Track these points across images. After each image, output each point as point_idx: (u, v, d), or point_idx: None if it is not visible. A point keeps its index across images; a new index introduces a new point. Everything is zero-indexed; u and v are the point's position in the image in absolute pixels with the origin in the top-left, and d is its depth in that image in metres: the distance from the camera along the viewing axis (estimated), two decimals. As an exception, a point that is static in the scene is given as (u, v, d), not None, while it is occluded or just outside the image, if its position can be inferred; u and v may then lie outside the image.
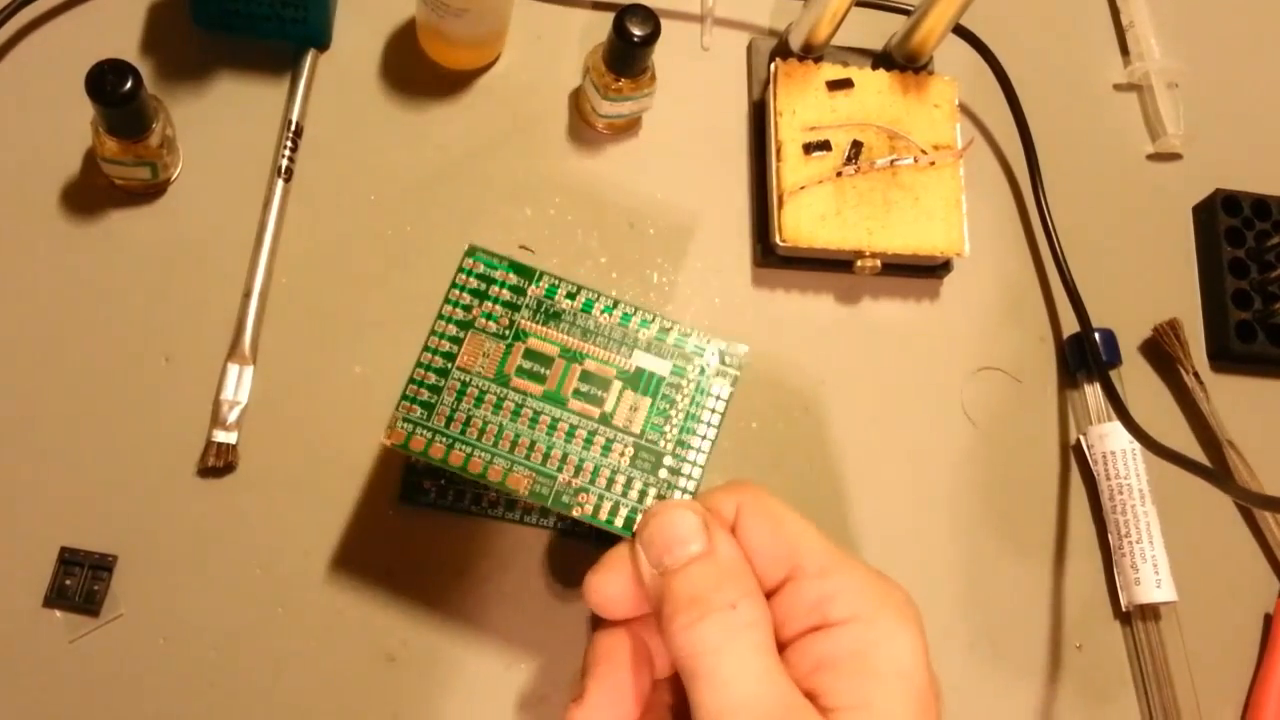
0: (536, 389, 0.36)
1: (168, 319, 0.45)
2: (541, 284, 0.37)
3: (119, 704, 0.41)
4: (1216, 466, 0.51)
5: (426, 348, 0.36)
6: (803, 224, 0.48)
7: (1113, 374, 0.50)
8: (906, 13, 0.53)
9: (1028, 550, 0.49)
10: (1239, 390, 0.53)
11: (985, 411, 0.51)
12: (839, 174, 0.49)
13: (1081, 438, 0.50)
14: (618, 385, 0.36)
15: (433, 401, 0.36)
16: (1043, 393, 0.52)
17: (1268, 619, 0.50)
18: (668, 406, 0.36)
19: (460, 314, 0.36)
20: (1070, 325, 0.52)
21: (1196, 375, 0.52)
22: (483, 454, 0.35)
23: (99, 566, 0.41)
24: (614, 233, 0.50)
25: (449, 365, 0.36)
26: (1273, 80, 0.60)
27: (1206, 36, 0.60)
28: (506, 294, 0.37)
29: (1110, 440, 0.49)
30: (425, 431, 0.35)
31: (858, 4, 0.50)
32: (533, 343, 0.36)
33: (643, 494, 0.36)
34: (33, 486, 0.43)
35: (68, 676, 0.41)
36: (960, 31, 0.53)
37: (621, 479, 0.36)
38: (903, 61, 0.53)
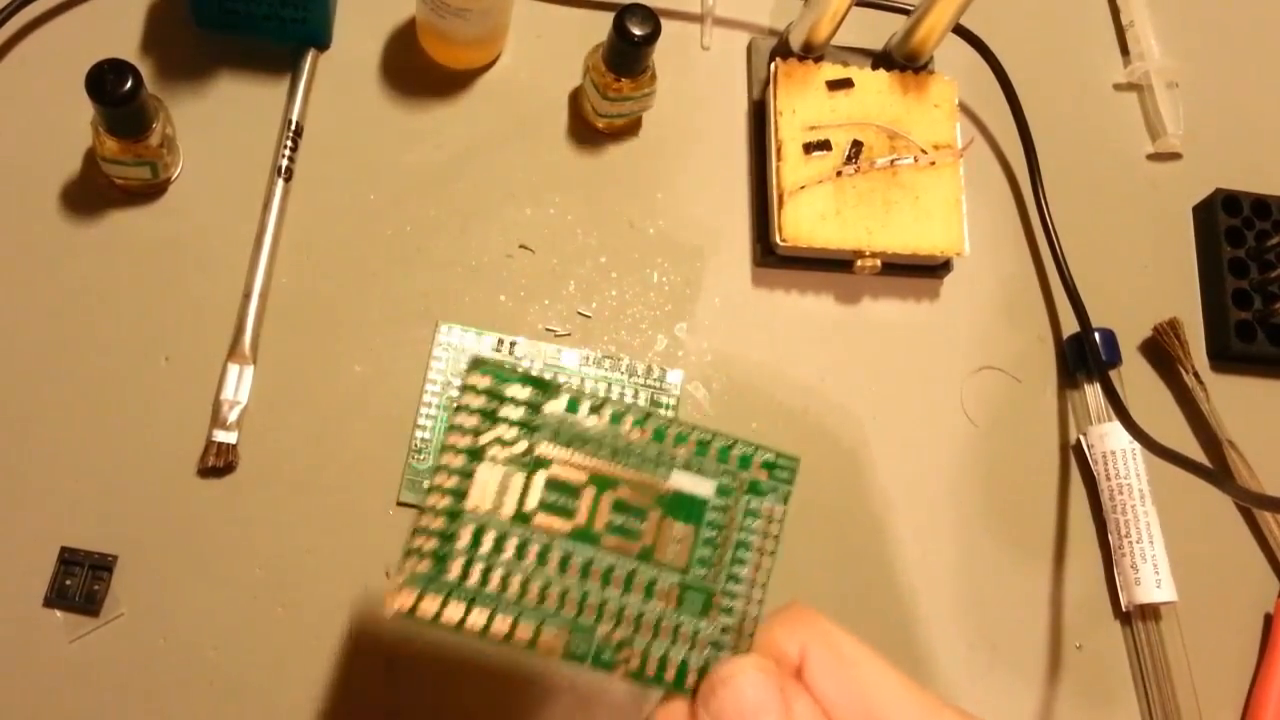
0: (564, 526, 0.30)
1: (168, 319, 0.45)
2: (561, 399, 0.31)
3: (119, 704, 0.41)
4: (1216, 466, 0.51)
5: (433, 487, 0.30)
6: (803, 223, 0.48)
7: (1113, 374, 0.50)
8: (906, 12, 0.53)
9: (1028, 550, 0.49)
10: (1239, 390, 0.53)
11: (985, 411, 0.51)
12: (839, 174, 0.49)
13: (1081, 437, 0.50)
14: (656, 514, 0.31)
15: (445, 552, 0.29)
16: (1042, 393, 0.52)
17: (1268, 619, 0.50)
18: (715, 534, 0.31)
19: (468, 441, 0.30)
20: (1070, 325, 0.52)
21: (1196, 375, 0.52)
22: (507, 612, 0.29)
23: (99, 566, 0.41)
24: (614, 232, 0.50)
25: (459, 506, 0.30)
26: (1273, 80, 0.60)
27: (1206, 36, 0.60)
28: (520, 414, 0.31)
29: (1110, 440, 0.49)
30: (437, 590, 0.29)
31: (858, 4, 0.50)
32: (556, 471, 0.30)
33: (693, 639, 0.30)
34: (33, 486, 0.43)
35: (68, 676, 0.41)
36: (960, 31, 0.53)
37: (669, 626, 0.30)
38: (903, 61, 0.53)
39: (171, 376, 0.45)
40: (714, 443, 0.31)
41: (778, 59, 0.51)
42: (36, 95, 0.47)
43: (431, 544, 0.29)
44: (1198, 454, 0.52)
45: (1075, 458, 0.51)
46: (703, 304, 0.50)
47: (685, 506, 0.31)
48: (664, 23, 0.46)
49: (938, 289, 0.52)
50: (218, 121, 0.48)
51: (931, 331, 0.51)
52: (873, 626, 0.46)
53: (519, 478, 0.30)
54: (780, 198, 0.49)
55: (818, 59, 0.52)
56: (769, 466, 0.31)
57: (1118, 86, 0.58)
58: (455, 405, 0.30)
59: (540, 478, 0.30)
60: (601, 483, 0.30)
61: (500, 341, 0.47)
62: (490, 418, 0.30)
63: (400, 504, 0.44)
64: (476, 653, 0.43)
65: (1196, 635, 0.47)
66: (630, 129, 0.52)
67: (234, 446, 0.44)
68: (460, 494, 0.30)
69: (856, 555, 0.47)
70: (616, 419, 0.31)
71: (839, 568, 0.47)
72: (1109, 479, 0.49)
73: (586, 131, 0.51)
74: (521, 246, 0.49)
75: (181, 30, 0.49)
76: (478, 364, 0.30)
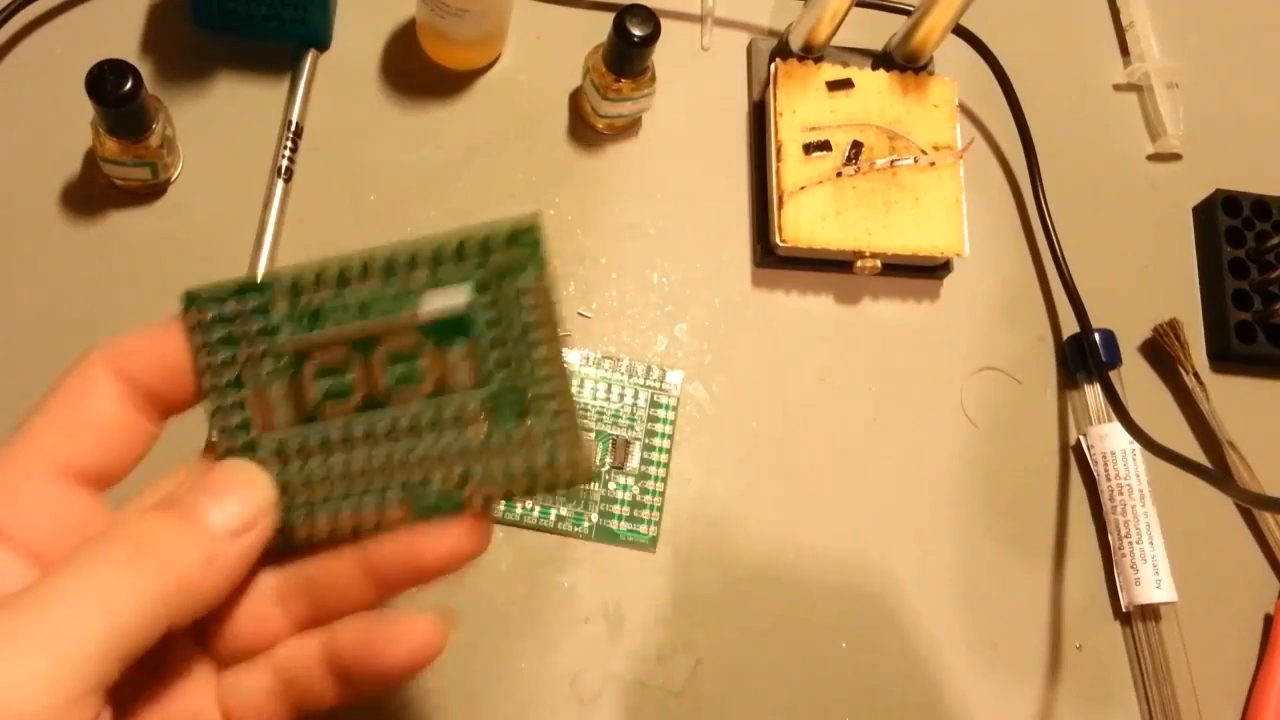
0: (353, 404, 0.29)
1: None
2: (283, 289, 0.29)
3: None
4: (1216, 467, 0.51)
5: (217, 430, 0.29)
6: (803, 224, 0.48)
7: (1113, 374, 0.50)
8: (906, 13, 0.53)
9: (1028, 550, 0.49)
10: (1239, 390, 0.53)
11: (985, 412, 0.51)
12: (839, 174, 0.49)
13: (1081, 438, 0.50)
14: (430, 346, 0.29)
15: None
16: (1043, 393, 0.52)
17: (1268, 619, 0.50)
18: (495, 333, 0.29)
19: (225, 376, 0.29)
20: (1070, 325, 0.52)
21: (1196, 375, 0.52)
22: (346, 505, 0.29)
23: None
24: (614, 233, 0.50)
25: (252, 436, 0.29)
26: (1273, 80, 0.60)
27: (1206, 37, 0.60)
28: (256, 323, 0.29)
29: (1110, 440, 0.49)
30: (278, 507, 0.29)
31: (858, 4, 0.50)
32: (317, 358, 0.29)
33: (528, 438, 0.29)
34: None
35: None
36: (960, 32, 0.53)
37: (500, 440, 0.29)
38: (903, 62, 0.53)
39: (171, 377, 0.44)
40: (445, 249, 0.29)
41: (778, 59, 0.51)
42: (36, 95, 0.47)
43: None
44: (1198, 454, 0.52)
45: (1075, 458, 0.51)
46: (702, 304, 0.50)
47: (452, 325, 0.29)
48: (664, 23, 0.46)
49: (938, 289, 0.52)
50: (218, 122, 0.48)
51: (931, 332, 0.51)
52: (873, 626, 0.46)
53: (287, 382, 0.29)
54: (780, 198, 0.49)
55: (818, 59, 0.52)
56: (512, 241, 0.30)
57: (1118, 87, 0.58)
58: (191, 343, 0.29)
59: (308, 370, 0.29)
60: (363, 346, 0.29)
61: (500, 342, 0.47)
62: (231, 343, 0.29)
63: (400, 504, 0.44)
64: (476, 652, 0.43)
65: (1196, 636, 0.47)
66: (630, 129, 0.52)
67: (234, 447, 0.43)
68: (245, 425, 0.29)
69: (857, 555, 0.47)
70: (342, 280, 0.29)
71: (839, 567, 0.47)
72: (1109, 479, 0.49)
73: (586, 132, 0.51)
74: (521, 247, 0.49)
75: (181, 31, 0.49)
76: (190, 299, 0.29)
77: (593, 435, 0.46)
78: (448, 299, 0.29)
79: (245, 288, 0.29)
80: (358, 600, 0.29)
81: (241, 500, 0.27)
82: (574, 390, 0.30)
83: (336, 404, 0.29)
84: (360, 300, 0.29)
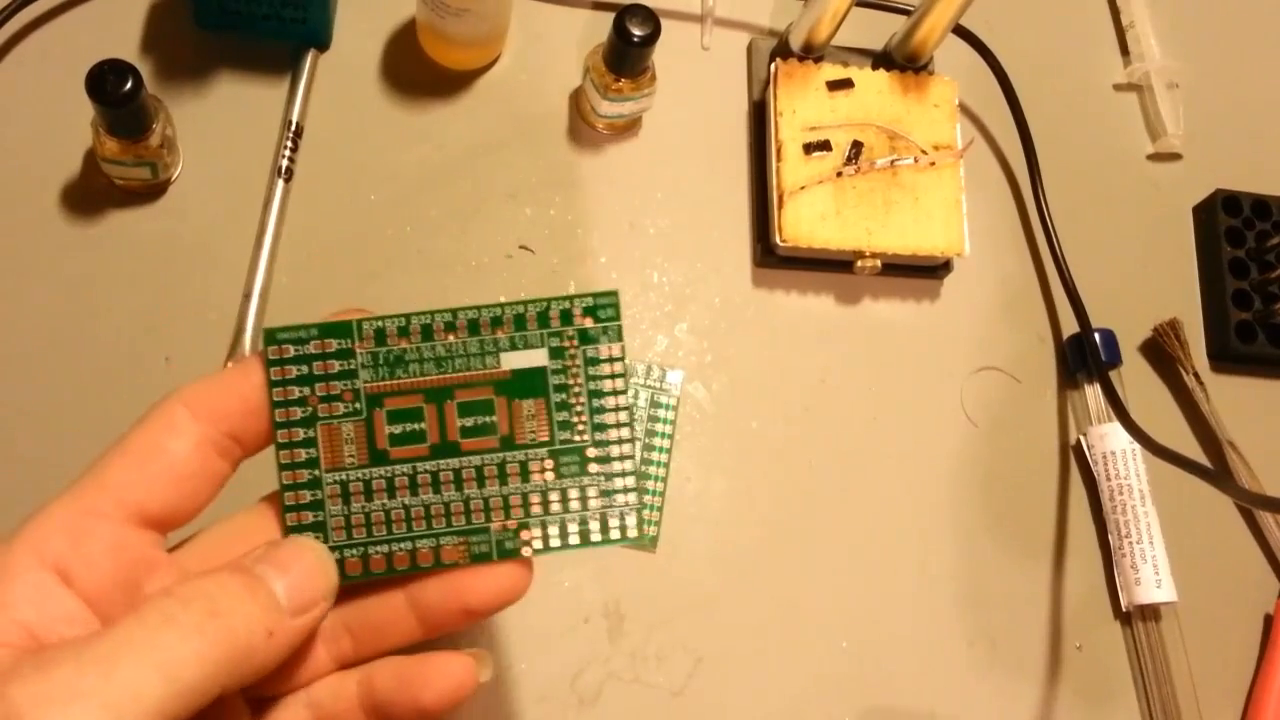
0: (422, 449, 0.31)
1: (168, 319, 0.45)
2: (366, 334, 0.30)
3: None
4: (1217, 466, 0.51)
5: (281, 465, 0.30)
6: (803, 224, 0.48)
7: (1113, 374, 0.50)
8: (906, 13, 0.53)
9: (1028, 550, 0.49)
10: (1239, 390, 0.53)
11: (985, 411, 0.51)
12: (839, 174, 0.49)
13: (1082, 438, 0.50)
14: (503, 401, 0.31)
15: (321, 519, 0.30)
16: (1043, 393, 0.52)
17: (1268, 619, 0.50)
18: (565, 395, 0.31)
19: (298, 413, 0.30)
20: (1070, 325, 0.52)
21: (1197, 375, 0.52)
22: (402, 545, 0.30)
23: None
24: (614, 232, 0.50)
25: (316, 473, 0.30)
26: (1273, 80, 0.60)
27: (1206, 36, 0.60)
28: (335, 365, 0.30)
29: (1110, 440, 0.49)
30: (333, 553, 0.30)
31: (858, 4, 0.50)
32: (391, 403, 0.30)
33: (583, 496, 0.31)
34: (33, 488, 0.42)
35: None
36: (960, 32, 0.53)
37: (556, 495, 0.31)
38: (903, 62, 0.53)
39: (172, 377, 0.45)
40: (529, 311, 0.31)
41: (778, 59, 0.51)
42: (37, 95, 0.47)
43: (307, 518, 0.30)
44: (1198, 454, 0.52)
45: (1075, 458, 0.51)
46: (703, 304, 0.50)
47: (526, 383, 0.31)
48: (664, 23, 0.46)
49: (938, 289, 0.52)
50: (218, 122, 0.48)
51: (932, 332, 0.51)
52: (873, 626, 0.46)
53: (361, 423, 0.30)
54: (780, 198, 0.49)
55: (818, 59, 0.52)
56: (591, 311, 0.31)
57: (1118, 87, 0.58)
58: (270, 381, 0.30)
59: (381, 416, 0.30)
60: (438, 395, 0.31)
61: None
62: (308, 381, 0.30)
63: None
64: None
65: (1196, 635, 0.47)
66: (630, 129, 0.52)
67: (234, 447, 0.43)
68: (314, 463, 0.30)
69: (857, 554, 0.47)
70: (428, 333, 0.31)
71: (839, 567, 0.47)
72: (1109, 479, 0.49)
73: (586, 132, 0.51)
74: (522, 247, 0.49)
75: (182, 30, 0.49)
76: (271, 336, 0.30)
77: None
78: (526, 359, 0.31)
79: (330, 329, 0.30)
80: (402, 638, 0.30)
81: (307, 580, 0.27)
82: (639, 456, 0.31)
83: (406, 448, 0.30)
84: (443, 350, 0.31)
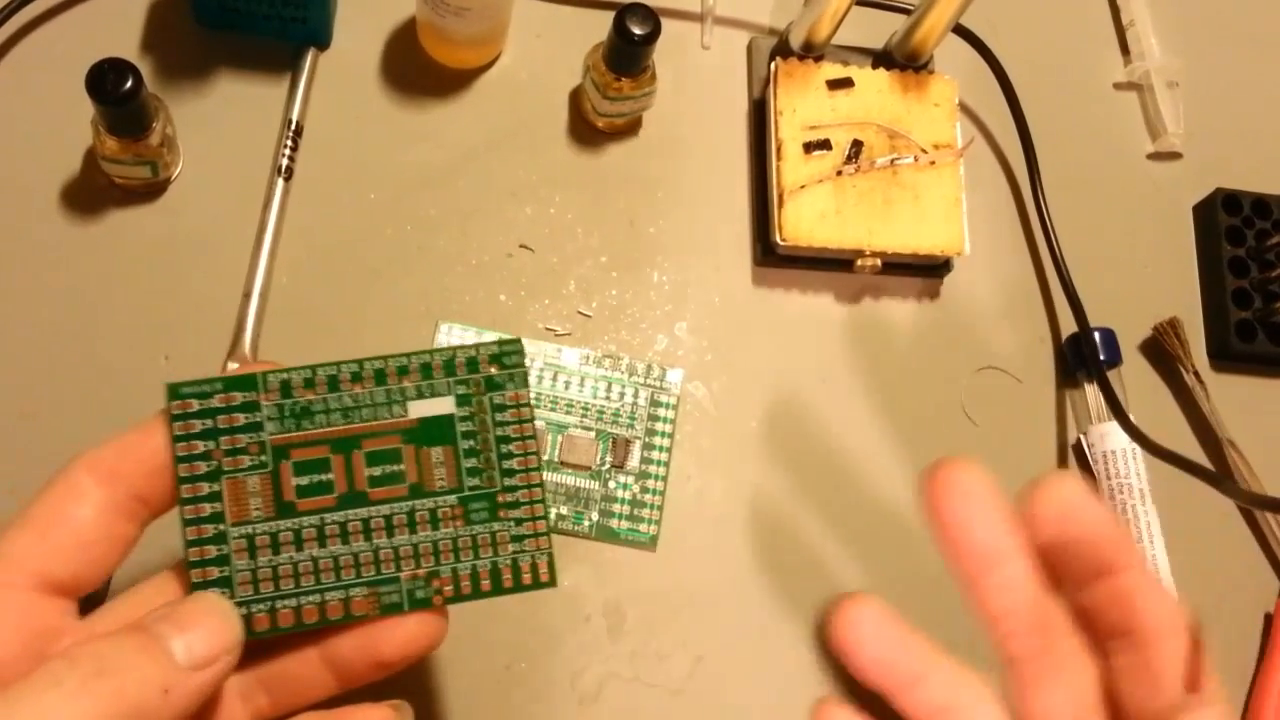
0: (329, 500, 0.30)
1: (168, 318, 0.45)
2: (271, 387, 0.30)
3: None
4: (1217, 466, 0.51)
5: (185, 520, 0.29)
6: (803, 223, 0.48)
7: (1113, 373, 0.50)
8: (907, 12, 0.53)
9: (1028, 549, 0.49)
10: (1239, 389, 0.53)
11: (985, 411, 0.51)
12: (839, 173, 0.49)
13: (1082, 437, 0.50)
14: (410, 450, 0.31)
15: (226, 574, 0.29)
16: (1043, 392, 0.52)
17: (1268, 619, 0.50)
18: (472, 443, 0.31)
19: (202, 468, 0.29)
20: (1070, 324, 0.52)
21: (1197, 374, 0.52)
22: (311, 599, 0.30)
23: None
24: (614, 232, 0.50)
25: (221, 528, 0.29)
26: (1273, 80, 0.60)
27: (1206, 36, 0.60)
28: (240, 418, 0.30)
29: (1110, 440, 0.49)
30: (239, 608, 0.29)
31: (858, 3, 0.49)
32: (298, 454, 0.30)
33: (493, 542, 0.31)
34: (32, 488, 0.42)
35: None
36: (960, 31, 0.53)
37: (467, 542, 0.31)
38: (903, 60, 0.53)
39: (171, 376, 0.44)
40: (435, 360, 0.31)
41: (778, 58, 0.51)
42: (36, 94, 0.47)
43: (213, 573, 0.29)
44: (1198, 453, 0.52)
45: (1075, 457, 0.51)
46: (703, 303, 0.50)
47: (434, 430, 0.31)
48: (664, 22, 0.46)
49: (938, 288, 0.52)
50: (218, 120, 0.48)
51: (931, 331, 0.51)
52: (873, 626, 0.46)
53: (267, 477, 0.30)
54: (780, 197, 0.49)
55: (818, 58, 0.52)
56: (496, 359, 0.31)
57: (1118, 86, 0.58)
58: (173, 438, 0.30)
59: (287, 468, 0.30)
60: (345, 444, 0.30)
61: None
62: (212, 435, 0.30)
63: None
64: (476, 652, 0.43)
65: (1196, 635, 0.47)
66: (630, 128, 0.52)
67: (234, 446, 0.43)
68: (217, 517, 0.29)
69: (857, 554, 0.47)
70: (334, 384, 0.30)
71: (839, 567, 0.47)
72: (1109, 479, 0.49)
73: (587, 131, 0.51)
74: (522, 246, 0.49)
75: (182, 29, 0.49)
76: (175, 391, 0.30)
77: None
78: (434, 407, 0.31)
79: (234, 382, 0.30)
80: (318, 692, 0.29)
81: (208, 635, 0.27)
82: (547, 500, 0.32)
83: (313, 500, 0.30)
84: (350, 400, 0.31)
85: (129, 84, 0.41)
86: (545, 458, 0.45)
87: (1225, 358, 0.53)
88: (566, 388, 0.47)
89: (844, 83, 0.51)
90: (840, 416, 0.49)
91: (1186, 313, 0.53)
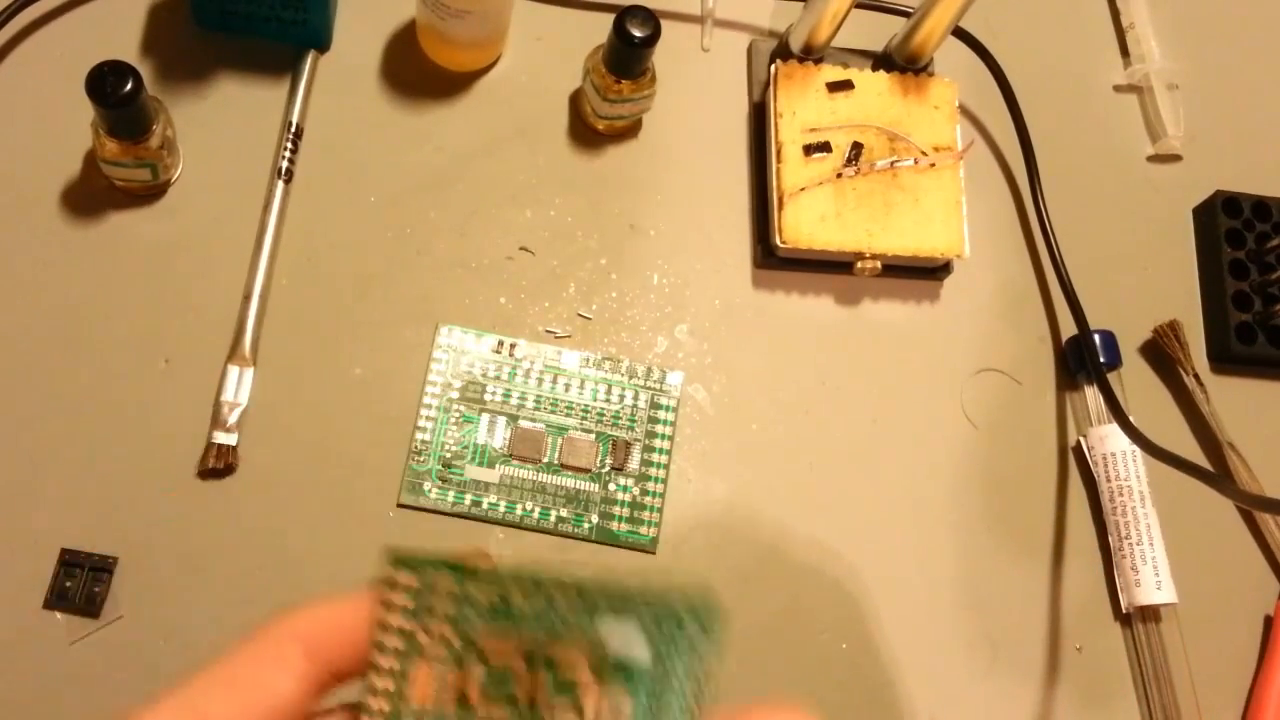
0: (504, 715, 0.29)
1: (168, 320, 0.45)
2: (494, 583, 0.30)
3: (119, 705, 0.41)
4: (1217, 468, 0.51)
5: (369, 689, 0.29)
6: (803, 225, 0.48)
7: (1113, 375, 0.50)
8: (906, 14, 0.53)
9: (1028, 551, 0.49)
10: (1239, 392, 0.53)
11: (985, 413, 0.51)
12: (839, 175, 0.49)
13: (1082, 439, 0.50)
14: (594, 689, 0.29)
15: None
16: (1043, 394, 0.52)
17: (1268, 620, 0.50)
18: (653, 702, 0.30)
19: (400, 645, 0.29)
20: (1070, 327, 0.52)
21: (1197, 377, 0.52)
22: None
23: (99, 568, 0.41)
24: (615, 234, 0.50)
25: (400, 709, 0.29)
26: (1273, 81, 0.60)
27: (1206, 38, 0.60)
28: (451, 607, 0.30)
29: (1110, 442, 0.49)
30: None
31: (858, 6, 0.50)
32: (494, 658, 0.29)
33: None
34: (33, 488, 0.43)
35: (68, 678, 0.41)
36: (960, 34, 0.53)
37: None
38: (903, 63, 0.53)
39: (171, 378, 0.45)
40: (641, 603, 0.30)
41: (778, 61, 0.51)
42: (37, 97, 0.47)
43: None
44: (1198, 456, 0.52)
45: (1075, 459, 0.51)
46: (703, 306, 0.50)
47: (623, 675, 0.30)
48: (664, 24, 0.46)
49: (938, 291, 0.52)
50: (218, 123, 0.48)
51: (932, 333, 0.51)
52: (873, 626, 0.46)
53: (456, 671, 0.29)
54: (780, 199, 0.49)
55: (818, 61, 0.52)
56: (697, 620, 0.31)
57: (1118, 88, 0.58)
58: (382, 602, 0.29)
59: (478, 670, 0.29)
60: (539, 663, 0.29)
61: (500, 343, 0.47)
62: (418, 616, 0.29)
63: (400, 506, 0.44)
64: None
65: (1196, 637, 0.47)
66: (630, 131, 0.52)
67: (234, 448, 0.44)
68: (399, 695, 0.29)
69: (856, 556, 0.47)
70: (548, 600, 0.30)
71: (839, 568, 0.47)
72: (1109, 480, 0.49)
73: (587, 133, 0.51)
74: (522, 248, 0.49)
75: (182, 32, 0.49)
76: (399, 560, 0.29)
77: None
78: (634, 651, 0.30)
79: (456, 568, 0.30)
80: None
81: None
82: None
83: (494, 709, 0.29)
84: (555, 622, 0.30)
85: (129, 86, 0.41)
86: (545, 460, 0.45)
87: (1225, 360, 0.53)
88: (566, 390, 0.47)
89: (844, 85, 0.51)
90: (840, 419, 0.49)
91: (1186, 315, 0.54)
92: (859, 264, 0.49)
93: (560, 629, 0.30)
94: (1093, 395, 0.50)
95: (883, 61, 0.53)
